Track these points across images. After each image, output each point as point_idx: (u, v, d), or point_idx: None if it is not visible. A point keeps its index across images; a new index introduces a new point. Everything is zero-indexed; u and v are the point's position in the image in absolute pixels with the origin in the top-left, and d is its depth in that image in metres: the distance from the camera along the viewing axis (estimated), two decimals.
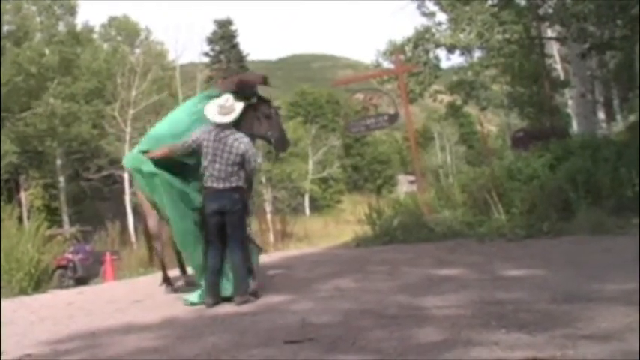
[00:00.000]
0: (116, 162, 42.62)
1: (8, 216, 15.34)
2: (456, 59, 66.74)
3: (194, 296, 7.91)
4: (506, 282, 7.08)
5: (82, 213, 44.95)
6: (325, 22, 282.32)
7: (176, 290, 9.15)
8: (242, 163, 7.84)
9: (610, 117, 29.40)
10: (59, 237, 21.06)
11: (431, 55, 25.60)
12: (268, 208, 50.19)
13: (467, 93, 29.06)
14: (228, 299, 7.69)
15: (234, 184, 7.82)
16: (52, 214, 40.84)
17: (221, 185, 7.78)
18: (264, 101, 9.04)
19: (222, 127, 7.92)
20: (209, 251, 7.87)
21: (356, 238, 15.80)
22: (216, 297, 7.70)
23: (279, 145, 8.90)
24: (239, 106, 8.14)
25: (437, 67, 25.99)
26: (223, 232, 7.88)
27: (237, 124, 8.48)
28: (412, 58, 24.80)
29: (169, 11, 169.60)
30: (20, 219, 18.72)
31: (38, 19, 46.57)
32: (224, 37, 68.80)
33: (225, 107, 8.00)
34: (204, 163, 7.81)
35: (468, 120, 78.98)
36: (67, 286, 18.47)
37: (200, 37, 72.60)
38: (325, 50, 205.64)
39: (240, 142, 7.88)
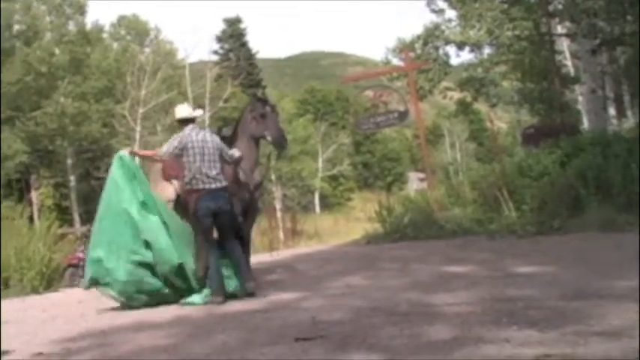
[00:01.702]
0: None
1: (19, 215, 15.43)
2: (466, 56, 66.61)
3: (196, 298, 7.96)
4: (516, 279, 7.06)
5: (93, 212, 44.79)
6: (334, 20, 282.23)
7: None
8: (222, 159, 8.08)
9: (621, 113, 29.25)
10: (70, 236, 21.13)
11: (440, 52, 25.55)
12: (278, 205, 50.17)
13: (477, 90, 28.93)
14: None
15: (224, 184, 8.03)
16: (63, 213, 40.97)
17: (213, 185, 7.93)
18: (258, 100, 9.10)
19: (196, 126, 8.22)
20: (211, 252, 7.95)
21: (366, 236, 15.81)
22: (224, 295, 7.78)
23: (278, 143, 8.95)
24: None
25: (446, 64, 25.92)
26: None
27: (236, 126, 8.81)
28: (422, 55, 24.76)
29: (178, 10, 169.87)
30: (31, 218, 18.82)
31: (48, 18, 46.73)
32: (233, 35, 68.91)
33: (191, 106, 8.50)
34: (196, 163, 7.92)
35: (477, 117, 78.69)
36: (78, 285, 18.55)
37: (209, 36, 72.65)
38: (334, 48, 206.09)
39: (214, 136, 8.24)
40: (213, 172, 7.92)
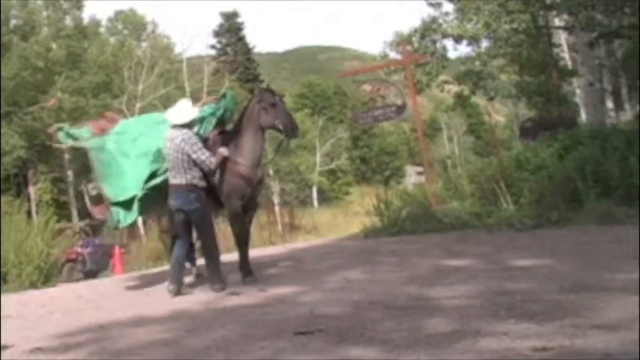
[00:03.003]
0: None
1: (17, 210, 15.41)
2: (463, 49, 66.32)
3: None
4: (514, 272, 7.06)
5: None
6: (332, 14, 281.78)
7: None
8: (192, 161, 8.12)
9: (619, 106, 29.24)
10: (68, 231, 21.15)
11: (438, 45, 25.54)
12: (276, 200, 50.15)
13: (474, 83, 28.91)
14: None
15: (188, 182, 8.12)
16: (61, 208, 40.96)
17: (177, 181, 8.14)
18: (267, 91, 9.06)
19: (176, 128, 8.26)
20: (176, 241, 8.41)
21: (364, 230, 15.78)
22: (178, 285, 8.17)
23: (289, 130, 8.86)
24: (191, 108, 8.53)
25: (444, 57, 25.92)
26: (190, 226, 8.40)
27: (240, 119, 8.81)
28: (419, 49, 24.73)
29: (175, 4, 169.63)
30: (29, 213, 18.81)
31: (45, 13, 46.64)
32: (230, 29, 68.89)
33: (181, 110, 8.40)
34: (170, 163, 8.25)
35: (475, 110, 78.61)
36: (77, 280, 18.56)
37: (206, 30, 72.71)
38: (332, 42, 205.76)
39: (183, 140, 8.12)
40: (175, 172, 8.12)
